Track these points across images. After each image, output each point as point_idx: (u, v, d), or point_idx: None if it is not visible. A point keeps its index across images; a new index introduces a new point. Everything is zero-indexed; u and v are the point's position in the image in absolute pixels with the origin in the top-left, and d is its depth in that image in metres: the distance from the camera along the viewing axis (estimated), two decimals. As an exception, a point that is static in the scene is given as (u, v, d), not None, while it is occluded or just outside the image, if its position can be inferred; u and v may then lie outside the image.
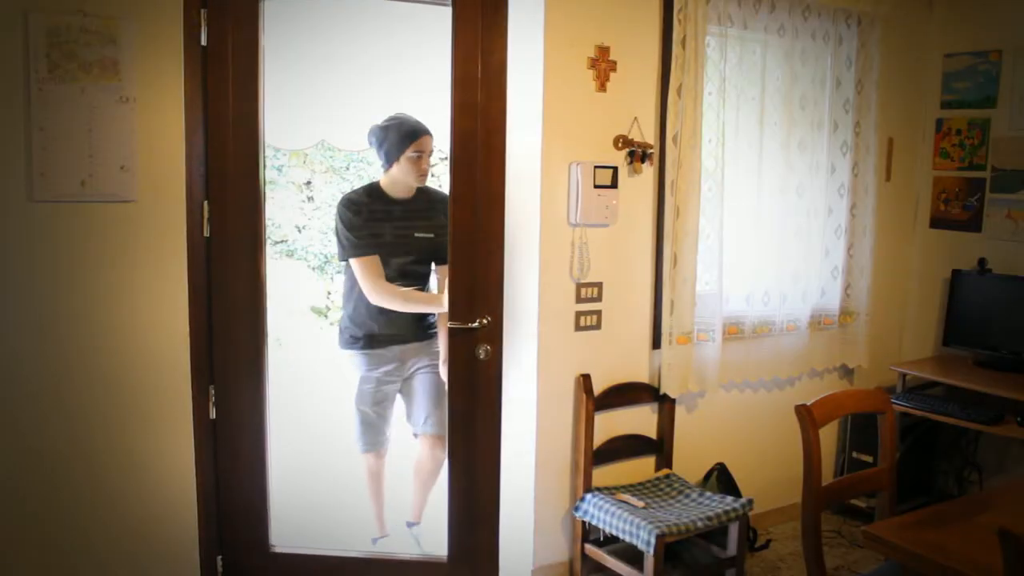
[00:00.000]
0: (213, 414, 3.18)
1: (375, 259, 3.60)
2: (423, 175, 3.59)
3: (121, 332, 2.99)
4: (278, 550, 3.32)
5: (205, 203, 3.09)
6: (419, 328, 3.81)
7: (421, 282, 3.76)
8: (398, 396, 3.89)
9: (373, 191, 3.68)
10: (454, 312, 3.13)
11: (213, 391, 3.17)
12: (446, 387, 3.29)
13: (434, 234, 3.62)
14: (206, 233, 3.10)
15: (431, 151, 3.57)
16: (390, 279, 3.63)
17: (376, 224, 3.64)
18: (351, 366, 3.81)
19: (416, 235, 3.65)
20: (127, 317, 2.99)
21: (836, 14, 4.02)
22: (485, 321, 3.11)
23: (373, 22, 3.33)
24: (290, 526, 3.50)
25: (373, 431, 3.82)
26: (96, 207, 2.91)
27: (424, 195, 3.72)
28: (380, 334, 3.74)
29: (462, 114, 3.14)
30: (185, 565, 3.17)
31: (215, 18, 3.03)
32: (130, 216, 2.95)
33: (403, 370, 3.84)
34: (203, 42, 3.02)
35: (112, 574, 3.07)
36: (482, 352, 3.11)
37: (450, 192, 3.13)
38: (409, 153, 3.51)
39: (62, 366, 2.93)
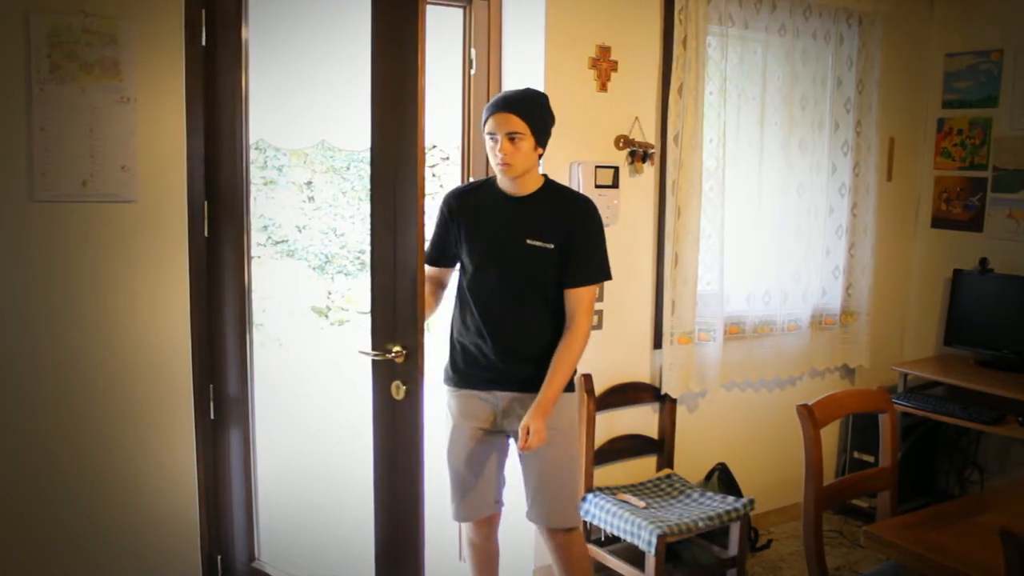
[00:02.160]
0: (213, 415, 3.18)
1: (429, 268, 2.90)
2: (500, 166, 2.74)
3: (121, 332, 2.99)
4: (260, 566, 3.28)
5: (205, 203, 3.09)
6: (513, 367, 2.85)
7: (527, 307, 2.82)
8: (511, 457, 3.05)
9: (483, 184, 2.99)
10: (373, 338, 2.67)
11: (213, 391, 3.17)
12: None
13: (554, 244, 2.75)
14: (206, 233, 3.10)
15: (509, 133, 2.69)
16: (481, 300, 2.85)
17: (469, 225, 2.89)
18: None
19: (528, 242, 2.78)
20: (127, 317, 2.99)
21: (837, 14, 4.02)
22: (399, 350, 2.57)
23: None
24: (279, 530, 3.43)
25: (459, 493, 3.00)
26: (97, 207, 2.91)
27: (552, 194, 2.85)
28: (462, 369, 2.94)
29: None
30: (187, 564, 3.17)
31: (215, 18, 3.02)
32: (131, 216, 2.95)
33: (500, 422, 2.92)
34: (203, 42, 3.02)
35: (114, 574, 3.08)
36: (400, 391, 2.59)
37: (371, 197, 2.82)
38: (486, 137, 2.79)
39: (62, 366, 2.93)
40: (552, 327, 2.81)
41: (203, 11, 2.99)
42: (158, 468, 3.09)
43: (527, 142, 2.71)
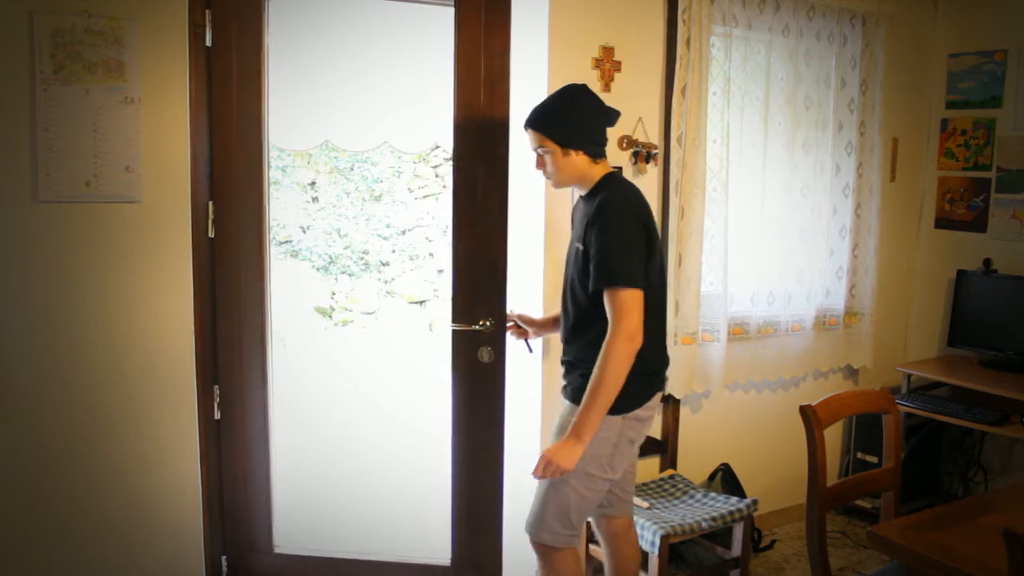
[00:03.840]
0: (218, 415, 3.19)
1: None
2: (548, 177, 2.75)
3: (126, 332, 2.99)
4: (281, 551, 3.33)
5: (210, 204, 3.09)
6: (565, 376, 2.82)
7: (570, 314, 2.75)
8: None
9: None
10: (456, 314, 3.09)
11: (218, 391, 3.18)
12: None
13: (583, 245, 2.63)
14: (211, 234, 3.11)
15: (536, 150, 2.72)
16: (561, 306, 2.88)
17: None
18: None
19: (575, 244, 2.72)
20: (131, 318, 2.99)
21: (840, 14, 4.02)
22: (487, 323, 3.05)
23: (377, 23, 3.32)
24: (293, 527, 3.50)
25: None
26: (101, 207, 2.91)
27: (596, 191, 2.69)
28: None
29: (465, 114, 3.13)
30: (190, 565, 3.18)
31: (220, 18, 3.03)
32: (135, 217, 2.96)
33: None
34: (208, 42, 3.03)
35: (117, 574, 3.08)
36: (485, 354, 3.06)
37: (453, 192, 3.10)
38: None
39: (66, 366, 2.94)
40: (597, 336, 2.53)
41: (207, 11, 3.00)
42: (162, 469, 3.10)
43: (555, 155, 2.65)
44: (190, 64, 2.98)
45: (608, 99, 3.41)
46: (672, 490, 3.61)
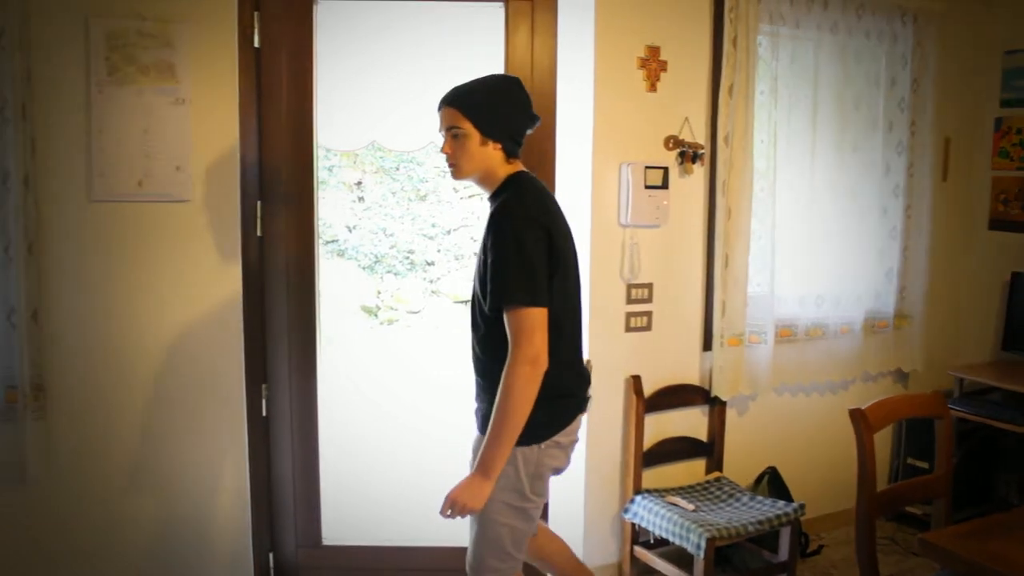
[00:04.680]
0: (265, 411, 3.22)
1: None
2: (448, 168, 2.46)
3: (176, 330, 3.04)
4: (329, 543, 3.37)
5: (259, 203, 3.13)
6: (477, 398, 2.54)
7: (475, 330, 2.48)
8: None
9: None
10: None
11: (266, 389, 3.22)
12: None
13: (483, 256, 2.36)
14: (259, 232, 3.14)
15: (449, 129, 2.39)
16: None
17: None
18: None
19: (480, 255, 2.42)
20: (182, 315, 3.04)
21: (891, 12, 3.95)
22: None
23: (424, 23, 3.33)
24: (340, 519, 3.54)
25: None
26: (152, 207, 2.97)
27: (493, 202, 2.44)
28: None
29: None
30: (238, 560, 3.22)
31: (268, 20, 3.07)
32: (185, 215, 3.00)
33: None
34: (256, 44, 3.07)
35: (166, 569, 3.13)
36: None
37: None
38: None
39: (117, 362, 2.99)
40: (501, 361, 2.27)
41: (256, 13, 3.04)
42: (210, 465, 3.14)
43: (471, 140, 2.35)
44: (239, 65, 3.03)
45: (654, 99, 3.42)
46: (718, 493, 3.58)
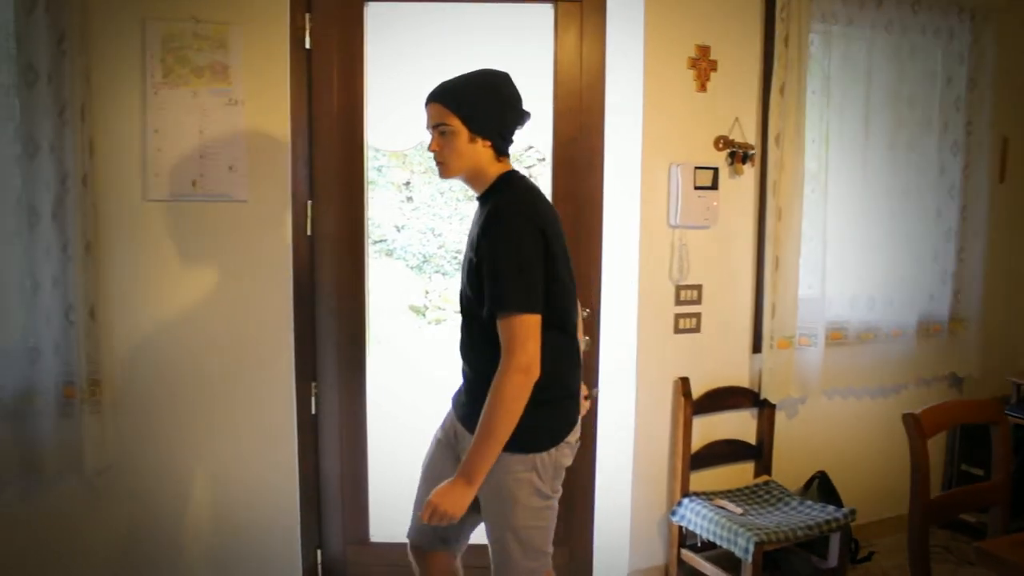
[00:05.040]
0: (314, 409, 3.26)
1: None
2: (435, 166, 2.40)
3: (228, 328, 3.08)
4: (376, 540, 3.41)
5: (309, 202, 3.17)
6: (461, 394, 2.51)
7: (465, 331, 2.44)
8: None
9: None
10: None
11: (315, 387, 3.25)
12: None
13: (475, 257, 2.29)
14: (309, 232, 3.18)
15: (436, 126, 2.33)
16: None
17: None
18: None
19: (468, 254, 2.37)
20: (233, 314, 3.08)
21: (948, 8, 3.88)
22: (584, 313, 3.22)
23: (473, 24, 3.34)
24: (388, 517, 3.56)
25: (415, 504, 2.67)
26: (206, 206, 3.01)
27: (491, 194, 2.36)
28: None
29: (562, 115, 3.20)
30: (287, 555, 3.25)
31: (319, 22, 3.11)
32: (237, 215, 3.04)
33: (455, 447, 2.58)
34: (307, 45, 3.10)
35: (216, 562, 3.17)
36: (582, 344, 3.13)
37: (552, 192, 3.20)
38: None
39: (171, 360, 3.04)
40: (492, 359, 2.22)
41: (307, 15, 3.07)
42: (260, 462, 3.18)
43: (459, 137, 2.28)
44: (291, 67, 3.06)
45: (704, 99, 3.39)
46: (767, 496, 3.54)
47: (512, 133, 2.38)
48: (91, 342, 2.89)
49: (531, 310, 2.17)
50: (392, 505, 3.82)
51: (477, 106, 2.29)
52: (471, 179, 2.38)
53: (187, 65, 2.94)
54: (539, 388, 2.19)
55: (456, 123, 2.28)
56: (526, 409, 2.18)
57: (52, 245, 2.79)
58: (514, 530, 2.33)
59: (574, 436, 2.40)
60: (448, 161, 2.32)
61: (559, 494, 2.40)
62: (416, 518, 2.55)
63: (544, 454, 2.30)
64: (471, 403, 2.34)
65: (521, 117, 2.38)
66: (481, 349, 2.30)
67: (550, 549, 2.42)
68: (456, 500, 2.20)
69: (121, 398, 2.99)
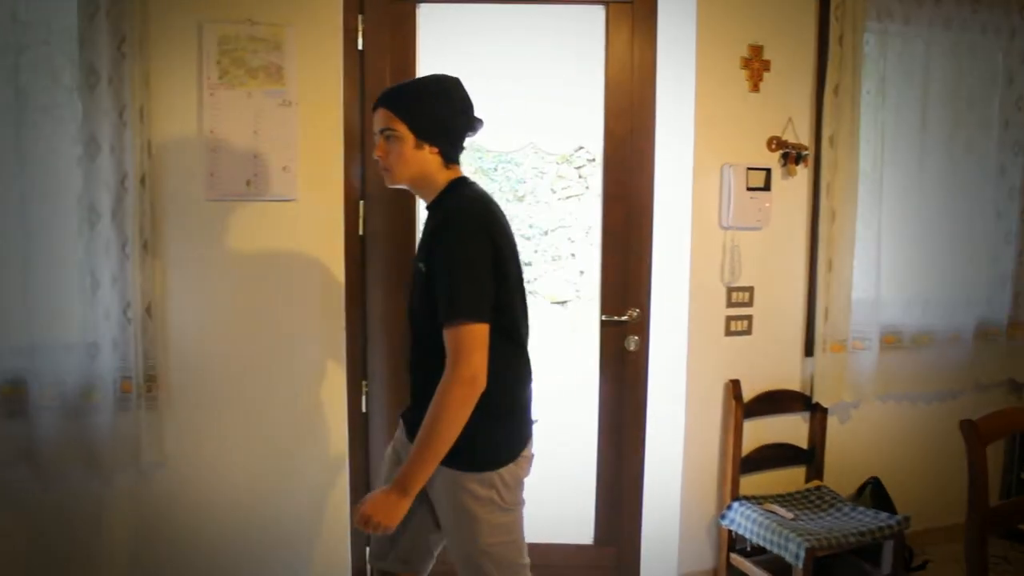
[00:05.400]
0: (365, 407, 3.29)
1: None
2: (381, 172, 2.33)
3: (282, 326, 3.12)
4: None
5: (361, 202, 3.20)
6: (409, 406, 2.40)
7: (415, 342, 2.34)
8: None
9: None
10: (605, 305, 3.35)
11: (366, 385, 3.28)
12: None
13: (424, 265, 2.21)
14: (360, 231, 3.21)
15: (382, 131, 2.27)
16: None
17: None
18: None
19: (417, 264, 2.28)
20: (288, 311, 3.12)
21: (1008, 5, 3.80)
22: (634, 314, 3.32)
23: (523, 24, 3.35)
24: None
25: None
26: (260, 205, 3.05)
27: (442, 200, 2.29)
28: None
29: (613, 116, 3.21)
30: (336, 555, 3.28)
31: (372, 23, 3.13)
32: (291, 214, 3.08)
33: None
34: (360, 46, 3.13)
35: (267, 560, 3.21)
36: (632, 343, 3.31)
37: (603, 192, 3.25)
38: None
39: (226, 356, 3.09)
40: (437, 371, 2.14)
41: (360, 16, 3.10)
42: (311, 459, 3.21)
43: (405, 143, 2.21)
44: (344, 68, 3.09)
45: (757, 99, 3.36)
46: (818, 502, 3.49)
47: (462, 140, 2.32)
48: (147, 339, 2.95)
49: (479, 319, 2.08)
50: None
51: (424, 112, 2.22)
52: (418, 187, 2.31)
53: (242, 66, 2.98)
54: (490, 401, 2.11)
55: (402, 128, 2.21)
56: (480, 425, 2.11)
57: (111, 243, 2.85)
58: (484, 550, 2.24)
59: (529, 449, 2.32)
60: (393, 167, 2.25)
61: (523, 504, 2.32)
62: (375, 538, 2.40)
63: (503, 470, 2.22)
64: (417, 410, 2.22)
65: (472, 123, 2.31)
66: (433, 365, 2.16)
67: (526, 560, 2.34)
68: (389, 510, 2.11)
69: (176, 394, 3.05)
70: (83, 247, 2.86)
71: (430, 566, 2.48)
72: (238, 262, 3.06)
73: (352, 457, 3.26)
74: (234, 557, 3.18)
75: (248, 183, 3.03)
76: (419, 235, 2.53)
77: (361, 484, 3.30)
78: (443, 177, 2.28)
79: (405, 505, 2.12)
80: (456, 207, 2.20)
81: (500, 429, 2.22)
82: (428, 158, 2.24)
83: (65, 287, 2.89)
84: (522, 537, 2.33)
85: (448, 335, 2.09)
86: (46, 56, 2.86)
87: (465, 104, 2.30)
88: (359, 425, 3.28)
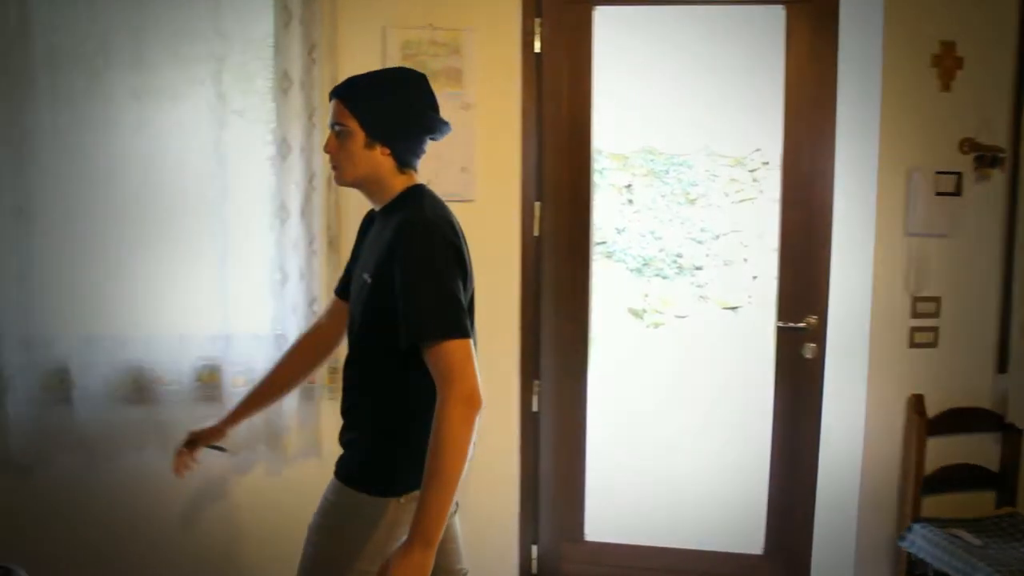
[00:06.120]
0: (536, 407, 3.34)
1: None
2: (333, 167, 2.14)
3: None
4: (591, 539, 3.46)
5: (537, 204, 3.25)
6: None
7: (349, 364, 2.17)
8: None
9: None
10: (781, 312, 3.31)
11: (537, 385, 3.33)
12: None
13: (371, 277, 2.06)
14: (536, 232, 3.26)
15: (332, 125, 2.09)
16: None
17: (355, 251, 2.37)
18: None
19: (361, 275, 2.14)
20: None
21: None
22: (812, 320, 3.25)
23: (699, 26, 3.32)
24: (602, 516, 3.60)
25: None
26: (439, 206, 3.15)
27: (398, 205, 2.12)
28: None
29: (792, 118, 3.14)
30: (504, 548, 3.34)
31: (549, 26, 3.18)
32: (469, 214, 3.13)
33: None
34: (537, 49, 3.18)
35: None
36: (808, 351, 3.24)
37: (781, 196, 3.18)
38: None
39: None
40: (374, 401, 2.05)
41: (537, 20, 3.15)
42: (484, 455, 3.28)
43: (354, 140, 2.04)
44: (521, 70, 3.16)
45: (947, 99, 3.20)
46: (1010, 530, 3.27)
47: (420, 143, 2.14)
48: (331, 332, 3.11)
49: (463, 334, 1.91)
50: (606, 504, 3.86)
51: (377, 108, 2.04)
52: (368, 190, 2.14)
53: (424, 70, 3.06)
54: (404, 422, 2.02)
55: (352, 124, 2.04)
56: (381, 444, 2.02)
57: (299, 240, 3.03)
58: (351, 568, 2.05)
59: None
60: (341, 165, 2.09)
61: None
62: None
63: (397, 499, 2.03)
64: (348, 452, 2.14)
65: (434, 126, 2.13)
66: (370, 385, 2.05)
67: None
68: (416, 569, 1.83)
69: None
70: (274, 243, 3.04)
71: None
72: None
73: (523, 454, 3.31)
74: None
75: (428, 183, 3.12)
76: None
77: (531, 481, 3.35)
78: (398, 183, 2.11)
79: (430, 558, 1.86)
80: (420, 218, 2.02)
81: (402, 455, 2.05)
82: (379, 159, 2.07)
83: (258, 280, 3.08)
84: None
85: (432, 355, 1.90)
86: (242, 63, 3.07)
87: (426, 104, 2.12)
88: (530, 423, 3.33)
